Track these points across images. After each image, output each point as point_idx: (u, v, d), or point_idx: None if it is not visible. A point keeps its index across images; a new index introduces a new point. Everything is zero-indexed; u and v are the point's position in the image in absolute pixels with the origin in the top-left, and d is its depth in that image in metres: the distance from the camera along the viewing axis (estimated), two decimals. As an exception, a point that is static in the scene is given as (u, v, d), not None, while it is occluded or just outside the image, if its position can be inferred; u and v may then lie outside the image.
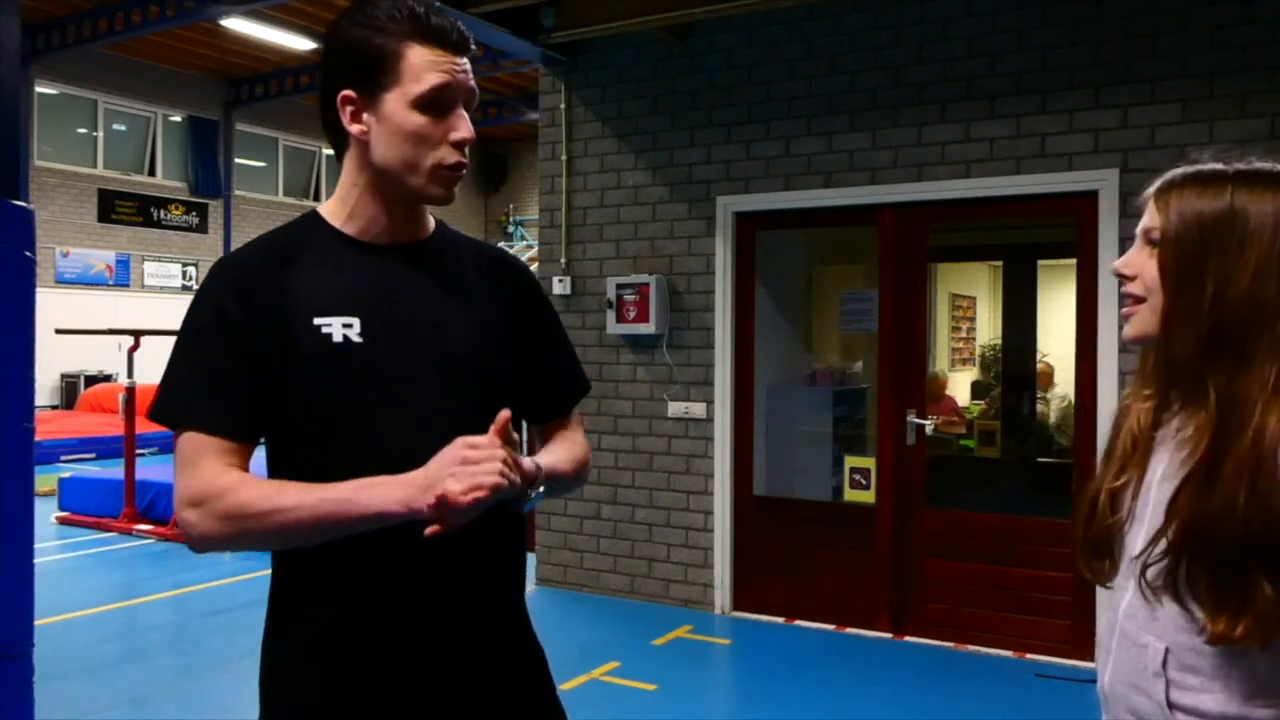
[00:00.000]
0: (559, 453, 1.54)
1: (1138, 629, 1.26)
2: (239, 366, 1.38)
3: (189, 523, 1.35)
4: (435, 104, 1.40)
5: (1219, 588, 1.15)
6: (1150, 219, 1.29)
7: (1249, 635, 1.13)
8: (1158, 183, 1.30)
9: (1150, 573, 1.22)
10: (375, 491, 1.30)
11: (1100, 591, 3.84)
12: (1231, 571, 1.14)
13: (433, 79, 1.39)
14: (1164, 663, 1.22)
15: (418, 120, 1.40)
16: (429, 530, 1.27)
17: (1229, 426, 1.17)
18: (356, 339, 1.40)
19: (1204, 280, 1.20)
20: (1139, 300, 1.29)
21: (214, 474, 1.35)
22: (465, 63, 1.43)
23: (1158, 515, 1.23)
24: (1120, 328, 5.06)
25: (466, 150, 1.44)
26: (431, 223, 1.55)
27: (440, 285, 1.50)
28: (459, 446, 1.30)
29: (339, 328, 1.40)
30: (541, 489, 1.41)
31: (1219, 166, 1.26)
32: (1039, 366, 7.10)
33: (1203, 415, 1.20)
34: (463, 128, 1.43)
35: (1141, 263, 1.28)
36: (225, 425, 1.37)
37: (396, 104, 1.39)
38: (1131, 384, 1.38)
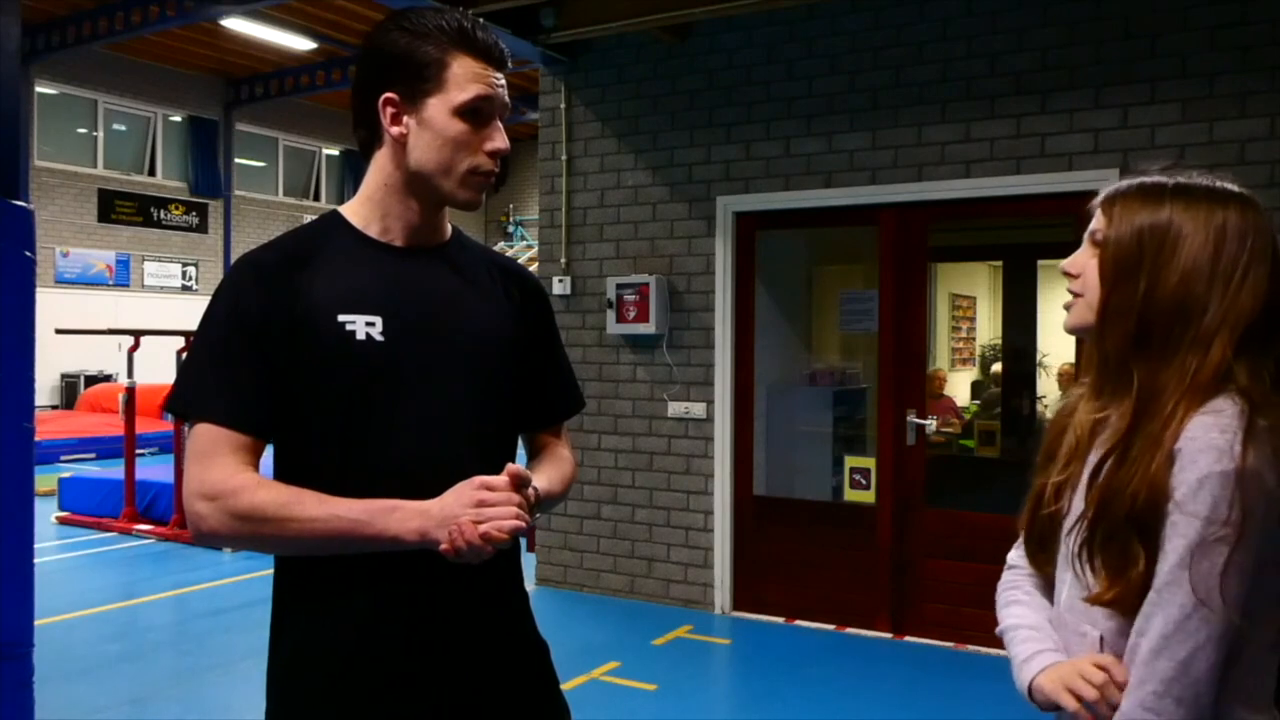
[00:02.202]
0: (552, 474, 1.59)
1: (1077, 619, 1.34)
2: (256, 363, 1.40)
3: (199, 515, 1.37)
4: (475, 113, 1.45)
5: (1109, 555, 1.28)
6: (1096, 222, 1.39)
7: (1117, 601, 1.27)
8: (1105, 191, 1.41)
9: (1081, 552, 1.31)
10: (392, 517, 1.34)
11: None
12: (1121, 542, 1.26)
13: (475, 89, 1.44)
14: (1099, 649, 1.30)
15: (458, 127, 1.44)
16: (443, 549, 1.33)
17: (1146, 413, 1.27)
18: (378, 337, 1.43)
19: (1137, 279, 1.31)
20: (1079, 296, 1.40)
21: (230, 470, 1.36)
22: (503, 79, 1.49)
23: (1083, 499, 1.34)
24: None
25: (498, 160, 1.49)
26: (449, 229, 1.59)
27: (458, 288, 1.53)
28: (475, 487, 1.34)
29: (362, 325, 1.43)
30: (537, 515, 1.47)
31: (1160, 179, 1.37)
32: (1063, 369, 7.07)
33: (1126, 403, 1.30)
34: (498, 138, 1.48)
35: (1084, 262, 1.39)
36: (241, 420, 1.39)
37: (438, 110, 1.44)
38: (1077, 384, 1.47)
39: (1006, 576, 1.53)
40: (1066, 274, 1.42)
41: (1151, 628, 1.22)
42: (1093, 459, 1.34)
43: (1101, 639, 1.30)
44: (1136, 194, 1.36)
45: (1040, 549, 1.44)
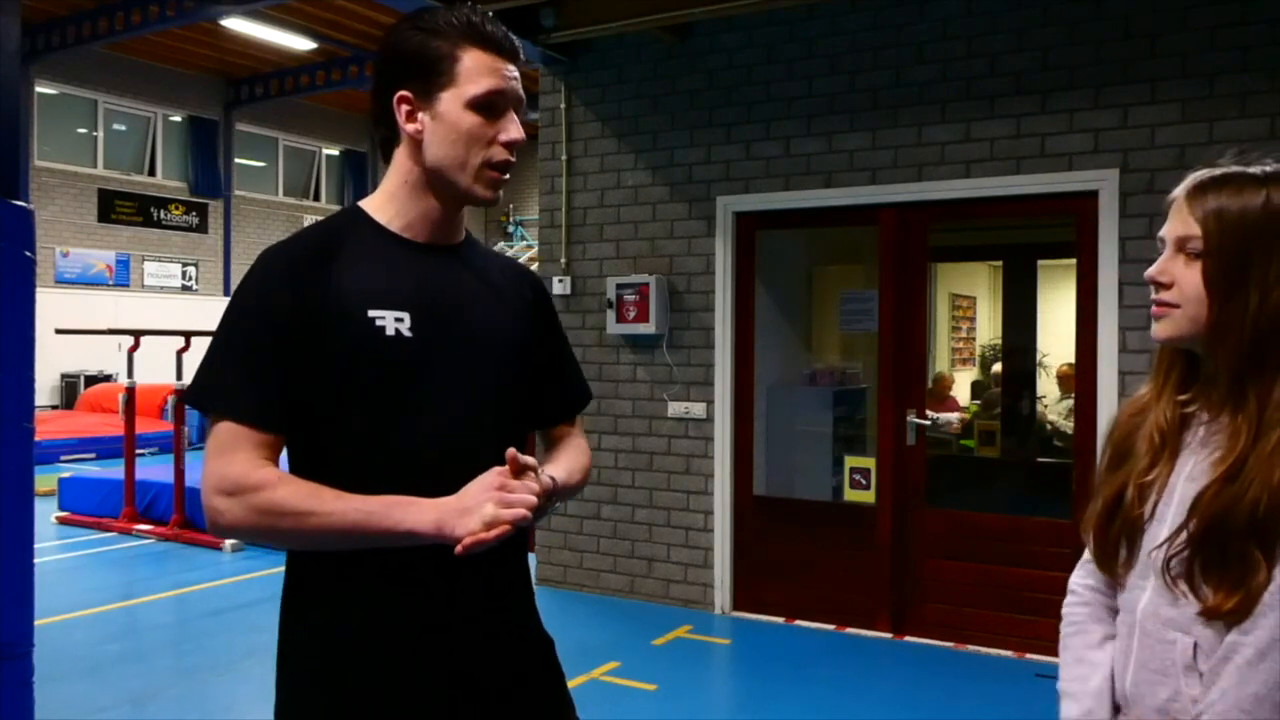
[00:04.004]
0: (569, 464, 1.61)
1: (1161, 626, 1.27)
2: (279, 358, 1.39)
3: (218, 510, 1.37)
4: (489, 106, 1.46)
5: (1224, 568, 1.19)
6: (1185, 226, 1.27)
7: (1235, 611, 1.18)
8: (1187, 185, 1.28)
9: (1172, 564, 1.24)
10: (409, 510, 1.35)
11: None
12: (1239, 553, 1.18)
13: (488, 82, 1.45)
14: (1194, 657, 1.23)
15: (472, 119, 1.45)
16: (458, 550, 1.32)
17: (1262, 433, 1.20)
18: (407, 333, 1.44)
19: (1247, 289, 1.21)
20: (1172, 305, 1.28)
21: (250, 466, 1.37)
22: (516, 70, 1.49)
23: (1181, 511, 1.25)
24: (1113, 327, 5.01)
25: (515, 151, 1.49)
26: (465, 229, 1.61)
27: (476, 287, 1.56)
28: (496, 474, 1.37)
29: (391, 321, 1.44)
30: (555, 503, 1.49)
31: (1248, 169, 1.25)
32: (1062, 369, 7.08)
33: (1240, 419, 1.22)
34: (513, 129, 1.48)
35: (1179, 272, 1.27)
36: (262, 416, 1.39)
37: (452, 104, 1.45)
38: (1147, 383, 1.38)
39: (1071, 611, 1.44)
40: (1156, 283, 1.30)
41: (1260, 628, 1.17)
42: (1187, 466, 1.28)
43: (1195, 645, 1.23)
44: (1227, 186, 1.24)
45: (1113, 555, 1.36)
